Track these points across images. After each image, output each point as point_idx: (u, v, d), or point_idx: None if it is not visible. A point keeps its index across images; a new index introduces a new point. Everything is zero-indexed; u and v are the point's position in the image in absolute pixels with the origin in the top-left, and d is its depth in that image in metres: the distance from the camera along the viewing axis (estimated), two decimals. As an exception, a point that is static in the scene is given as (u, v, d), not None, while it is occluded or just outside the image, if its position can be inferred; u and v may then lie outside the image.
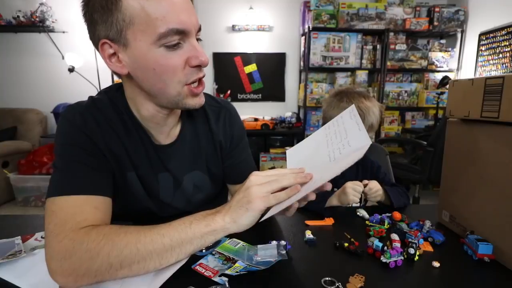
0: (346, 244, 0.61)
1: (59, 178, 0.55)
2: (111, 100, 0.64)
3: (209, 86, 3.32)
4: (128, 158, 0.64)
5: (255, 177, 0.51)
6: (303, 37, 3.21)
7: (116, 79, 3.05)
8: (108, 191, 0.59)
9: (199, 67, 0.57)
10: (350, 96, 0.98)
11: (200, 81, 0.59)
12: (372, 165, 1.02)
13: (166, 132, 0.68)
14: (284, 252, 0.56)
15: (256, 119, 3.12)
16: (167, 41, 0.51)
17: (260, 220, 0.53)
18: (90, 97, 0.65)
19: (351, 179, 0.89)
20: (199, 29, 0.57)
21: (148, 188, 0.68)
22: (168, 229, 0.50)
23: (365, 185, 0.85)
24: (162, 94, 0.57)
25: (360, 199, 0.89)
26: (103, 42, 0.53)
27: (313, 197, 0.50)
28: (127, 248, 0.47)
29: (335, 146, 0.54)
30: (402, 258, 0.56)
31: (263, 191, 0.49)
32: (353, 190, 0.82)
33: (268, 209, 0.51)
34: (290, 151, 0.64)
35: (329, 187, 0.50)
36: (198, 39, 0.57)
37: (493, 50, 2.71)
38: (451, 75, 3.19)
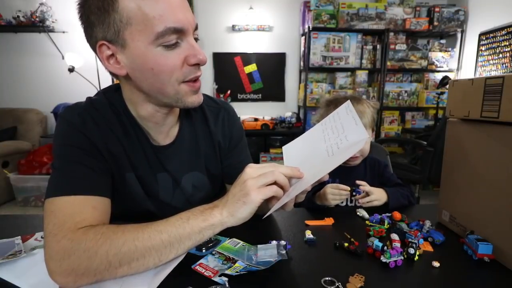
0: (346, 244, 0.61)
1: (57, 179, 0.55)
2: (109, 100, 0.64)
3: (209, 86, 3.32)
4: (127, 159, 0.64)
5: (250, 170, 0.51)
6: (303, 37, 3.21)
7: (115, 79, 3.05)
8: (106, 191, 0.59)
9: (197, 65, 0.57)
10: (337, 103, 0.98)
11: (197, 78, 0.59)
12: (379, 164, 1.03)
13: (165, 132, 0.68)
14: (284, 252, 0.56)
15: (256, 119, 3.12)
16: (165, 41, 0.52)
17: (264, 217, 0.53)
18: (88, 98, 0.65)
19: (359, 178, 0.89)
20: (196, 28, 0.57)
21: (147, 189, 0.68)
22: (166, 225, 0.50)
23: (354, 191, 0.85)
24: (161, 93, 0.58)
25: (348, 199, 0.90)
26: (100, 44, 0.53)
27: (309, 188, 0.50)
28: (125, 246, 0.47)
29: (333, 141, 0.54)
30: (402, 258, 0.56)
31: (259, 183, 0.49)
32: (332, 195, 0.84)
33: (266, 202, 0.51)
34: (286, 147, 0.64)
35: (326, 177, 0.50)
36: (195, 39, 0.57)
37: (493, 50, 2.71)
38: (451, 75, 3.19)
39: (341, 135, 0.54)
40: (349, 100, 0.58)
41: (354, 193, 0.86)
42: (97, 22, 0.51)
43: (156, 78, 0.55)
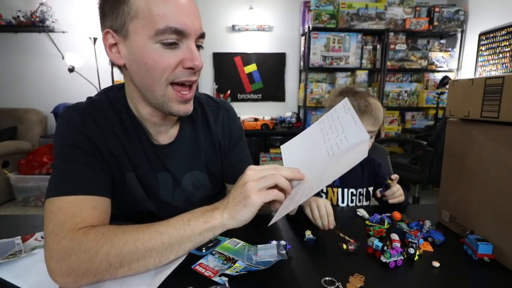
0: (345, 245, 0.60)
1: (58, 179, 0.55)
2: (110, 100, 0.65)
3: (209, 86, 3.32)
4: (127, 159, 0.64)
5: (251, 172, 0.51)
6: (303, 37, 3.21)
7: (116, 79, 3.06)
8: (106, 191, 0.59)
9: (192, 70, 0.57)
10: (354, 93, 0.94)
11: (190, 86, 0.60)
12: (374, 163, 1.03)
13: (165, 132, 0.69)
14: (284, 252, 0.56)
15: (256, 119, 3.12)
16: (164, 38, 0.53)
17: (269, 225, 0.53)
18: (89, 98, 0.66)
19: (356, 178, 0.89)
20: (202, 36, 0.58)
21: (147, 188, 0.68)
22: (167, 227, 0.51)
23: (387, 186, 0.82)
24: (150, 91, 0.58)
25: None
26: (106, 31, 0.56)
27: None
28: (126, 247, 0.48)
29: (333, 141, 0.53)
30: (402, 258, 0.56)
31: (259, 186, 0.49)
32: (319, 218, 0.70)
33: (268, 204, 0.51)
34: (285, 147, 0.63)
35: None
36: (199, 46, 0.58)
37: (493, 50, 2.71)
38: (451, 75, 3.19)
39: (341, 135, 0.53)
40: (346, 98, 0.57)
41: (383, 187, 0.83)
42: (109, 11, 0.55)
43: (148, 73, 0.56)
